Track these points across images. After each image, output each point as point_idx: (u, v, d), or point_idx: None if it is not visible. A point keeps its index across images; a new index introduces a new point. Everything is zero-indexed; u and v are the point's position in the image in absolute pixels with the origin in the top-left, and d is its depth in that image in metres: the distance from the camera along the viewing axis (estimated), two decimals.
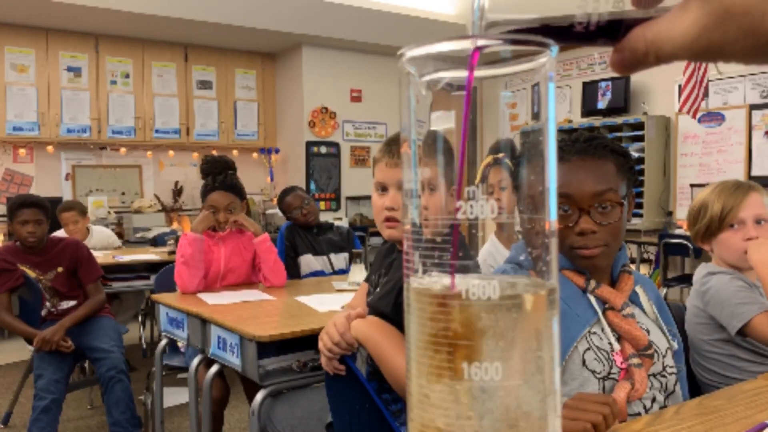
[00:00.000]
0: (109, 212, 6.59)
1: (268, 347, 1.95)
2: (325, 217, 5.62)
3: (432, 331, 0.38)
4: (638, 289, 1.33)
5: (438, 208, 0.39)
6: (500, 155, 0.41)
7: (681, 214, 6.25)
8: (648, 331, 1.26)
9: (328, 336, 1.47)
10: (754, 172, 5.72)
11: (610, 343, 1.22)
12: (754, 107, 5.76)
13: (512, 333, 0.37)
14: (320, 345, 1.50)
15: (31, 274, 3.12)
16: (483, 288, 0.36)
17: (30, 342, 2.98)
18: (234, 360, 2.04)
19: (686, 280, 5.38)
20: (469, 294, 0.37)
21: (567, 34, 0.40)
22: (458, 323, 0.37)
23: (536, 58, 0.38)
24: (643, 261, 6.22)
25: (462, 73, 0.38)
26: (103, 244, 4.72)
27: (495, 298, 0.36)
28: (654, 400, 1.23)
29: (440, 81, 0.39)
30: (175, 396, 3.68)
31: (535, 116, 0.38)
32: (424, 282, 0.39)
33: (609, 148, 1.24)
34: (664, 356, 1.27)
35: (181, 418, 3.50)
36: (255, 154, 7.65)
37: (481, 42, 0.37)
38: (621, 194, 1.22)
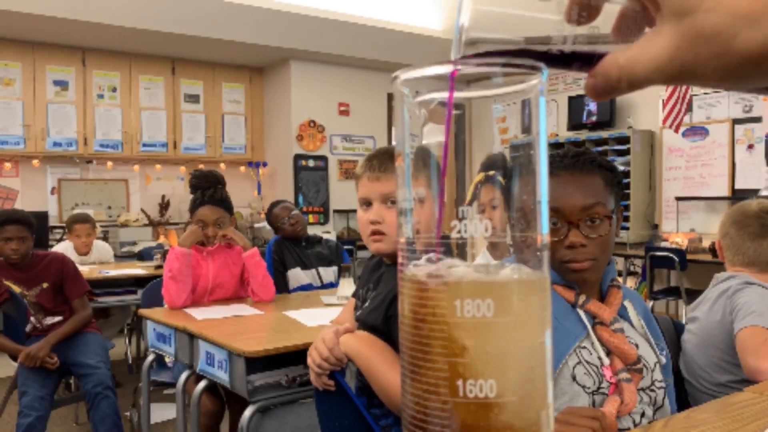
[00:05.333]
0: (95, 226, 6.54)
1: (256, 362, 1.94)
2: (313, 230, 5.61)
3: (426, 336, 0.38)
4: (627, 304, 1.34)
5: (429, 224, 0.40)
6: (491, 173, 0.41)
7: (667, 227, 6.31)
8: (637, 346, 1.27)
9: (317, 351, 1.47)
10: (738, 185, 5.79)
11: (599, 358, 1.23)
12: (737, 121, 5.85)
13: (506, 347, 0.37)
14: (309, 360, 1.49)
15: (16, 289, 3.09)
16: (477, 306, 0.37)
17: (14, 358, 2.94)
18: (222, 375, 2.03)
19: (673, 292, 5.42)
20: (464, 312, 0.37)
21: (543, 56, 0.40)
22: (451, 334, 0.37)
23: (527, 80, 0.39)
24: (630, 274, 6.26)
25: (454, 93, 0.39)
26: (102, 259, 4.75)
27: (489, 316, 0.37)
28: (643, 414, 1.24)
29: (433, 101, 0.40)
30: (162, 412, 3.64)
31: (526, 130, 0.39)
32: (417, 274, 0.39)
33: (597, 162, 1.26)
34: (652, 370, 1.28)
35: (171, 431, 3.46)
36: (243, 168, 7.63)
37: (467, 69, 0.38)
38: (609, 208, 1.24)
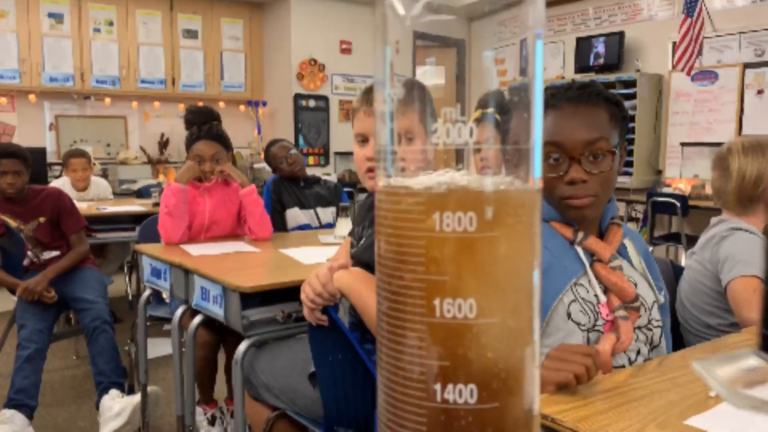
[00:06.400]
0: (94, 164, 6.49)
1: (252, 298, 1.93)
2: (313, 173, 5.56)
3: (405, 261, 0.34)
4: (626, 242, 1.31)
5: (416, 160, 0.36)
6: (489, 110, 0.39)
7: (670, 172, 6.25)
8: (635, 284, 1.24)
9: (311, 287, 1.45)
10: (745, 131, 5.70)
11: (596, 296, 1.21)
12: (747, 66, 5.70)
13: (489, 266, 0.34)
14: (302, 296, 1.48)
15: (12, 223, 3.07)
16: (458, 219, 0.33)
17: (13, 292, 2.95)
18: (217, 311, 2.03)
19: (673, 238, 5.41)
20: (443, 226, 0.33)
21: None
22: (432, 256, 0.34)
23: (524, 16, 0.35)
24: (631, 219, 6.24)
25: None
26: (100, 196, 4.73)
27: (471, 230, 0.33)
28: (639, 352, 1.22)
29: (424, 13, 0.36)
30: (162, 347, 3.68)
31: (523, 72, 0.36)
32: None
33: (602, 95, 1.20)
34: (650, 309, 1.26)
35: (167, 368, 3.51)
36: (242, 107, 7.52)
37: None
38: (613, 143, 1.19)
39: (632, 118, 6.12)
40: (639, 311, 1.21)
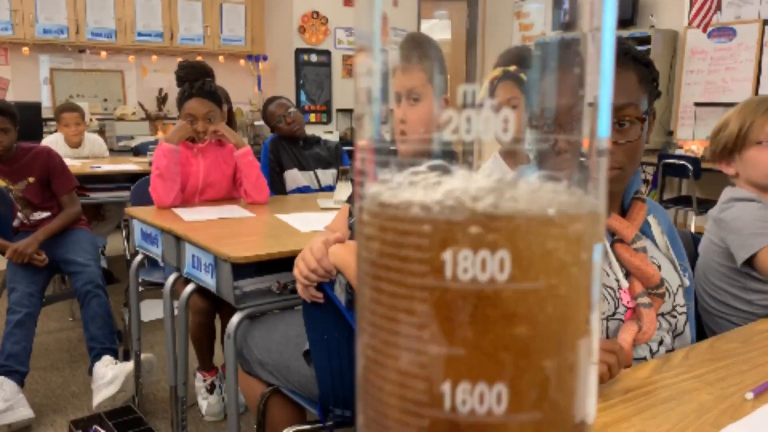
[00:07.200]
0: (91, 119, 6.33)
1: (245, 268, 1.83)
2: (315, 130, 5.40)
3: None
4: (650, 219, 1.19)
5: (421, 122, 0.27)
6: (512, 68, 0.32)
7: (682, 134, 6.07)
8: (659, 267, 1.13)
9: (304, 262, 1.34)
10: (762, 91, 5.49)
11: (617, 280, 1.09)
12: (767, 22, 5.46)
13: (529, 334, 0.22)
14: (295, 272, 1.37)
15: (1, 183, 2.95)
16: (482, 262, 0.21)
17: (3, 254, 2.86)
18: (209, 280, 1.92)
19: (683, 201, 5.28)
20: (457, 271, 0.21)
21: None
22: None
23: None
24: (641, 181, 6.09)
25: None
26: (95, 153, 4.59)
27: (502, 280, 0.21)
28: (661, 342, 1.11)
29: None
30: (159, 309, 3.59)
31: (567, 26, 0.28)
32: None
33: (631, 55, 1.06)
34: (675, 294, 1.14)
35: (164, 332, 3.43)
36: (242, 61, 7.31)
37: None
38: (642, 110, 1.05)
39: None
40: (663, 297, 1.10)
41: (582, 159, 0.26)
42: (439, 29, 0.33)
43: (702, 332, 1.65)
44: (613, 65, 0.26)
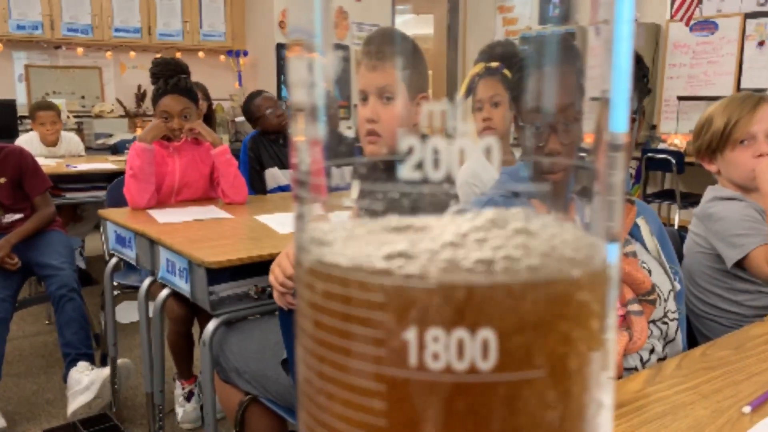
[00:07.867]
0: (68, 117, 6.20)
1: (221, 272, 1.76)
2: None
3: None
4: (639, 221, 1.14)
5: (397, 121, 0.22)
6: (494, 64, 0.32)
7: (665, 128, 6.07)
8: (650, 272, 1.08)
9: (281, 268, 1.28)
10: (744, 84, 5.51)
11: None
12: (749, 16, 5.47)
13: None
14: (271, 278, 1.31)
15: None
16: (458, 344, 0.16)
17: None
18: (183, 285, 1.86)
19: (666, 195, 5.27)
20: (426, 359, 0.16)
21: None
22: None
23: None
24: None
25: None
26: (72, 152, 4.48)
27: (485, 369, 0.16)
28: (652, 350, 1.07)
29: None
30: (137, 312, 3.52)
31: (562, 18, 0.27)
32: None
33: None
34: (666, 300, 1.10)
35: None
36: (222, 57, 7.20)
37: None
38: (631, 108, 1.00)
39: None
40: (654, 304, 1.05)
41: (579, 161, 0.23)
42: (417, 24, 0.31)
43: (691, 335, 1.61)
44: (631, 58, 0.23)
